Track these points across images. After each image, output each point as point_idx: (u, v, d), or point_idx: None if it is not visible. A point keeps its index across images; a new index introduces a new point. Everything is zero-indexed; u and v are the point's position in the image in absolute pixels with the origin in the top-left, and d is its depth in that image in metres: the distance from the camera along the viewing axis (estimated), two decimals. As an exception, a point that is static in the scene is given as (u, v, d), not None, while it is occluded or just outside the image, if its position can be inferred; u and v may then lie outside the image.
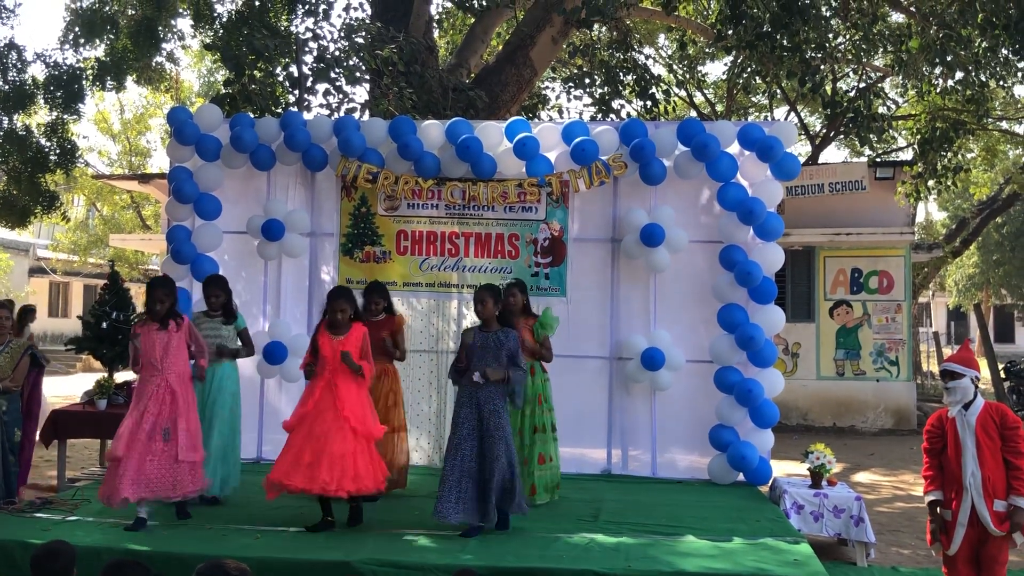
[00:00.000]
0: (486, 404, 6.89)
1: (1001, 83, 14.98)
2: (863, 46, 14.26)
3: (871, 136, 14.46)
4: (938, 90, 15.32)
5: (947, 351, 27.00)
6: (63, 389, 21.17)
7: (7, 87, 14.25)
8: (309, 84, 12.19)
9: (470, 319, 9.67)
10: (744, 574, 5.82)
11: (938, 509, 6.05)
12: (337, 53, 12.30)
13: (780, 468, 10.29)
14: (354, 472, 6.67)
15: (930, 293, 35.19)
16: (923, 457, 6.20)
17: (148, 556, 5.87)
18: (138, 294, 23.89)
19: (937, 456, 6.10)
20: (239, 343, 8.08)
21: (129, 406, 7.32)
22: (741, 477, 9.00)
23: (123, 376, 11.14)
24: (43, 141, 14.71)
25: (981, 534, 5.82)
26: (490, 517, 6.72)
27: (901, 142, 24.94)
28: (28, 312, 11.96)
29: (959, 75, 13.81)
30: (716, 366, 9.14)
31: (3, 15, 14.70)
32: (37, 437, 8.91)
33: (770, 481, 8.94)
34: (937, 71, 14.06)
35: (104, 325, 10.42)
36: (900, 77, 15.03)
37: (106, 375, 10.35)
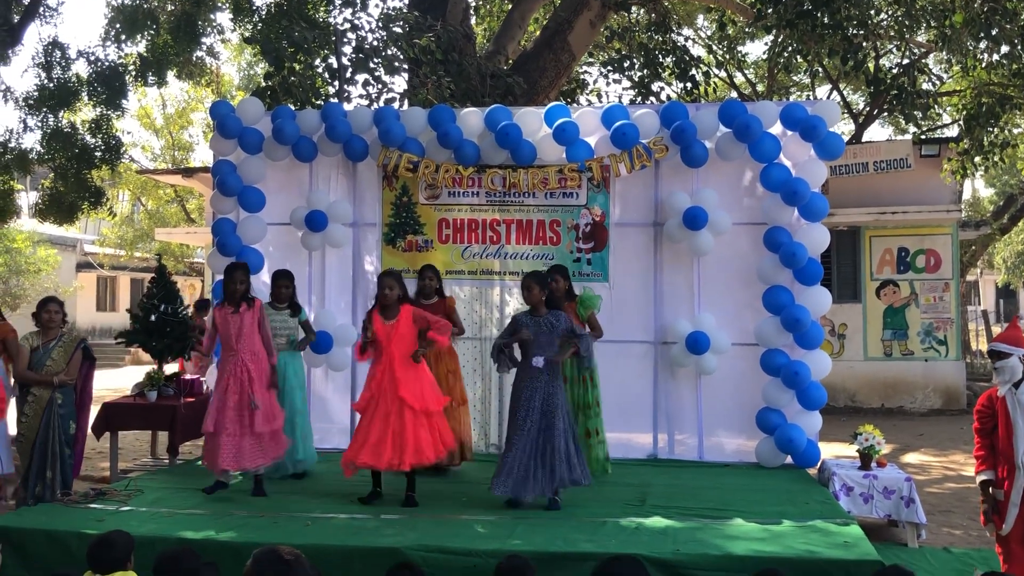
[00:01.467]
0: (545, 386, 7.18)
1: (1049, 56, 14.70)
2: (906, 22, 14.04)
3: (916, 113, 14.23)
4: (983, 65, 15.05)
5: (996, 329, 26.65)
6: (113, 382, 21.51)
7: (52, 85, 14.44)
8: (348, 75, 12.24)
9: (512, 306, 9.69)
10: (794, 557, 5.77)
11: (990, 489, 5.98)
12: (375, 43, 12.34)
13: (828, 450, 10.21)
14: (415, 446, 7.09)
15: (978, 271, 34.71)
16: (974, 437, 6.14)
17: (200, 544, 5.96)
18: (184, 287, 24.19)
19: (988, 436, 6.03)
20: (302, 334, 8.69)
21: (177, 398, 8.95)
22: (789, 460, 8.95)
23: (172, 368, 11.29)
24: (88, 138, 14.90)
25: None
26: (554, 488, 7.06)
27: (946, 119, 24.56)
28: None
29: (1005, 49, 13.54)
30: (762, 349, 9.07)
31: (47, 14, 14.89)
32: (89, 430, 9.05)
33: (818, 463, 8.88)
34: (982, 45, 13.83)
35: (152, 318, 10.52)
36: (944, 52, 14.79)
37: (155, 367, 10.48)
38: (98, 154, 14.85)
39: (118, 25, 14.88)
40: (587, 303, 8.38)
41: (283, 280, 8.56)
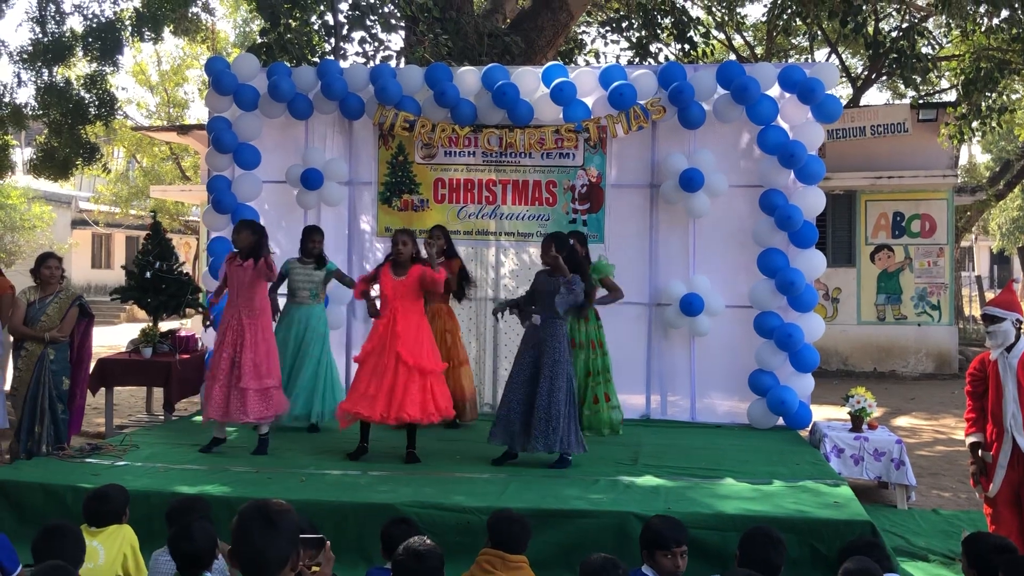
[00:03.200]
0: (540, 344, 7.22)
1: (1049, 21, 14.60)
2: (906, -15, 13.96)
3: (915, 76, 14.19)
4: (983, 29, 14.97)
5: (989, 295, 26.71)
6: (109, 339, 21.52)
7: (46, 40, 14.31)
8: (345, 32, 12.16)
9: (508, 267, 9.71)
10: (784, 516, 5.83)
11: (980, 452, 6.03)
12: (372, 0, 12.24)
13: (820, 413, 10.28)
14: (401, 402, 7.13)
15: (973, 237, 34.76)
16: (966, 400, 6.18)
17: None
18: (180, 244, 24.13)
19: (980, 399, 6.06)
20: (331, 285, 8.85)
21: (173, 354, 9.26)
22: (781, 421, 9.02)
23: (168, 325, 11.30)
24: (83, 93, 14.78)
25: (1021, 477, 5.79)
26: (531, 448, 7.11)
27: (944, 83, 24.46)
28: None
29: (1005, 13, 13.48)
30: (756, 311, 9.11)
31: (40, -32, 14.71)
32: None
33: (810, 425, 8.94)
34: (982, 9, 13.74)
35: (148, 275, 10.53)
36: (944, 16, 14.71)
37: (151, 324, 10.50)
38: (92, 110, 14.74)
39: (114, -21, 14.72)
40: (598, 270, 8.42)
41: (316, 235, 8.62)
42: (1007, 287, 6.27)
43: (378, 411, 7.12)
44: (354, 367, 7.90)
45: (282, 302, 8.72)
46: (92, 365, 9.01)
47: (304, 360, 8.46)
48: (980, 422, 6.05)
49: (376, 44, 12.22)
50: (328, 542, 3.48)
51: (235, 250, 7.78)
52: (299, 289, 8.54)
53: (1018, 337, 5.85)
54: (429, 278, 7.26)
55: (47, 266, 7.99)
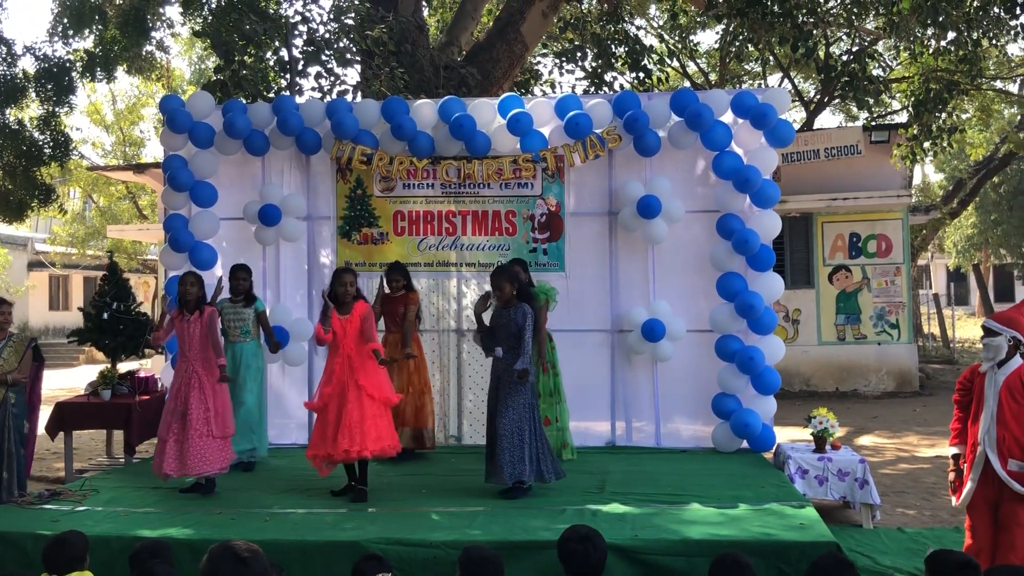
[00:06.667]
0: (503, 375, 7.28)
1: (994, 42, 14.91)
2: (854, 9, 14.20)
3: (867, 99, 14.40)
4: (931, 51, 15.23)
5: (947, 312, 27.03)
6: (67, 381, 21.23)
7: (-3, 81, 14.20)
8: (300, 68, 12.16)
9: (470, 297, 9.70)
10: (750, 540, 5.84)
11: (961, 462, 6.09)
12: (327, 35, 12.27)
13: (784, 434, 10.33)
14: (375, 434, 7.16)
15: (929, 255, 35.15)
16: (954, 408, 6.24)
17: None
18: (137, 284, 23.91)
19: (965, 410, 6.12)
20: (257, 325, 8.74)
21: (132, 396, 9.25)
22: (745, 444, 9.05)
23: (126, 366, 11.17)
24: (36, 134, 14.66)
25: (997, 495, 5.82)
26: (496, 479, 7.15)
27: (895, 105, 24.85)
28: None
29: (951, 35, 13.73)
30: (717, 335, 9.16)
31: (-9, 9, 14.62)
32: (41, 429, 8.96)
33: (774, 447, 8.98)
34: (929, 32, 13.97)
35: (105, 316, 10.42)
36: (892, 39, 14.96)
37: (109, 366, 10.37)
38: (47, 151, 14.63)
39: (65, 20, 14.63)
40: (537, 295, 8.33)
41: (241, 273, 8.63)
42: (1018, 305, 6.25)
43: (340, 449, 7.06)
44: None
45: None
46: (47, 409, 8.88)
47: (241, 397, 8.46)
48: (963, 433, 6.11)
49: (332, 79, 12.22)
50: None
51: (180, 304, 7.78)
52: (230, 328, 8.59)
53: (1011, 356, 5.88)
54: (367, 323, 7.33)
55: (0, 312, 7.87)
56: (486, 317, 7.50)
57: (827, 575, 4.42)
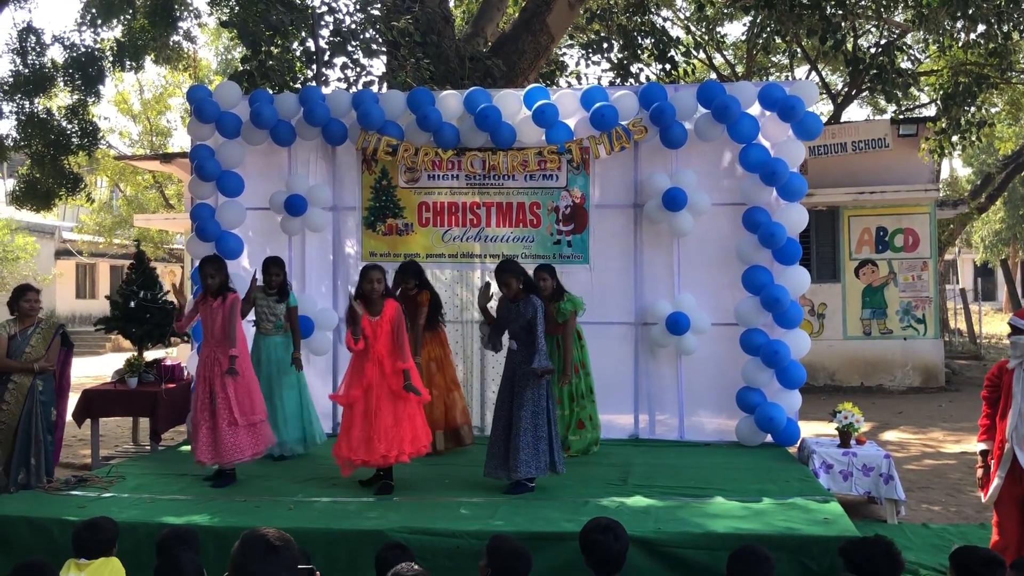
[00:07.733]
0: (517, 370, 7.16)
1: (1024, 35, 14.74)
2: (883, 1, 14.08)
3: (896, 91, 14.29)
4: (960, 44, 15.11)
5: (974, 307, 26.82)
6: (94, 369, 21.42)
7: (27, 71, 14.29)
8: (326, 58, 12.19)
9: (493, 288, 9.68)
10: (774, 534, 5.82)
11: (989, 458, 6.06)
12: (353, 26, 12.29)
13: (808, 429, 10.28)
14: (411, 435, 7.11)
15: (956, 250, 34.91)
16: (982, 405, 6.21)
17: (184, 530, 5.96)
18: (164, 273, 24.10)
19: (993, 406, 6.10)
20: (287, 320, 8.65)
21: (158, 384, 9.28)
22: (769, 438, 9.01)
23: (153, 354, 11.25)
24: (64, 123, 14.76)
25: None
26: (511, 476, 7.05)
27: (924, 98, 24.66)
28: None
29: (981, 28, 13.62)
30: (742, 328, 9.12)
31: (20, -1, 14.72)
32: (69, 416, 9.03)
33: (798, 442, 8.94)
34: (959, 24, 13.86)
35: (132, 304, 10.49)
36: (921, 32, 14.84)
37: (135, 354, 10.45)
38: (75, 140, 14.72)
39: (94, 10, 14.71)
40: (563, 310, 8.25)
41: (273, 268, 8.52)
42: None
43: (378, 454, 6.97)
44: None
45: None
46: (75, 396, 8.95)
47: (284, 390, 8.48)
48: (992, 429, 6.08)
49: (358, 69, 12.24)
50: (318, 573, 3.46)
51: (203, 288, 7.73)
52: (263, 320, 8.56)
53: None
54: (398, 327, 7.15)
55: (27, 299, 7.92)
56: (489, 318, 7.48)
57: (876, 564, 4.40)
